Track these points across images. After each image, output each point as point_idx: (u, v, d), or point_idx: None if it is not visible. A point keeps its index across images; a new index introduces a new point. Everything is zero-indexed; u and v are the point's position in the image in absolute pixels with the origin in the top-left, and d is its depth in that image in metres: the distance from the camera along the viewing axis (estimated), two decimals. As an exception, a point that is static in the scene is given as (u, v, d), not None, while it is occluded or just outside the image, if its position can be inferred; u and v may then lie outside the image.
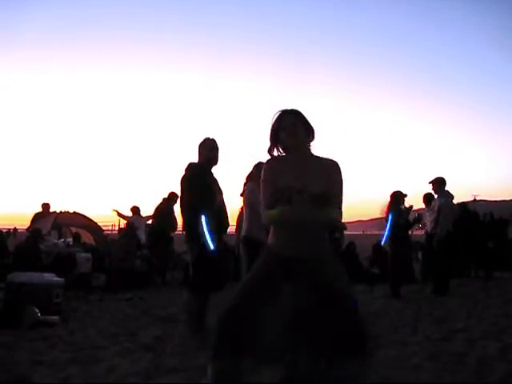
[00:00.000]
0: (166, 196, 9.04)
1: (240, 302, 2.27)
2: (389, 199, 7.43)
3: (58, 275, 5.79)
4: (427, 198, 8.54)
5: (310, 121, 2.43)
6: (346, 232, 11.98)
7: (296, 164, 2.38)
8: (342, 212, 2.37)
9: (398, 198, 7.37)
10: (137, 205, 10.26)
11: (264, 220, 2.39)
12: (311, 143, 2.45)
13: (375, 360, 3.60)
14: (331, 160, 2.43)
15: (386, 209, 7.42)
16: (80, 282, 7.46)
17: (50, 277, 5.64)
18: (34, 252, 7.55)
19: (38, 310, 4.78)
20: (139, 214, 10.17)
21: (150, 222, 10.12)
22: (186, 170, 4.41)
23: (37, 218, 10.09)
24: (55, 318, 4.92)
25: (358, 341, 2.18)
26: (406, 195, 7.49)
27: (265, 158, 2.49)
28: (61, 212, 10.71)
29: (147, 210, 10.26)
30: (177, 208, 8.40)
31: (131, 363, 3.52)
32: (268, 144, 2.46)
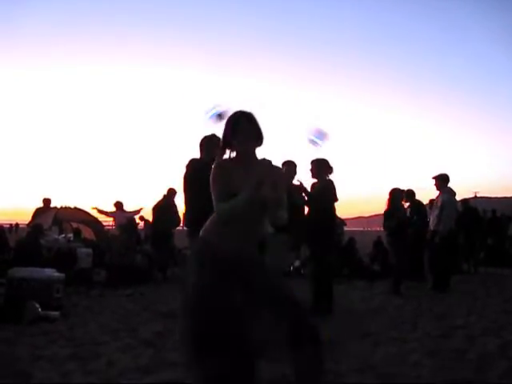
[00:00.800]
0: (166, 192, 9.03)
1: (210, 301, 2.26)
2: (388, 196, 7.42)
3: (59, 270, 5.81)
4: (408, 194, 8.49)
5: (261, 126, 2.44)
6: (346, 228, 12.01)
7: (246, 170, 2.40)
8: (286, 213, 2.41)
9: (397, 194, 7.38)
10: (120, 200, 10.36)
11: (221, 213, 2.35)
12: (258, 148, 2.47)
13: (375, 357, 3.62)
14: (267, 160, 2.50)
15: (386, 205, 7.42)
16: (80, 277, 7.46)
17: (51, 272, 5.65)
18: (34, 247, 7.54)
19: (38, 306, 4.79)
20: (122, 209, 10.17)
21: (139, 215, 10.23)
22: (188, 166, 4.36)
23: (38, 213, 10.10)
24: (56, 313, 4.93)
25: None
26: (403, 191, 7.52)
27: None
28: (61, 207, 10.72)
29: (146, 205, 10.32)
30: (178, 204, 8.42)
31: (131, 358, 3.53)
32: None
